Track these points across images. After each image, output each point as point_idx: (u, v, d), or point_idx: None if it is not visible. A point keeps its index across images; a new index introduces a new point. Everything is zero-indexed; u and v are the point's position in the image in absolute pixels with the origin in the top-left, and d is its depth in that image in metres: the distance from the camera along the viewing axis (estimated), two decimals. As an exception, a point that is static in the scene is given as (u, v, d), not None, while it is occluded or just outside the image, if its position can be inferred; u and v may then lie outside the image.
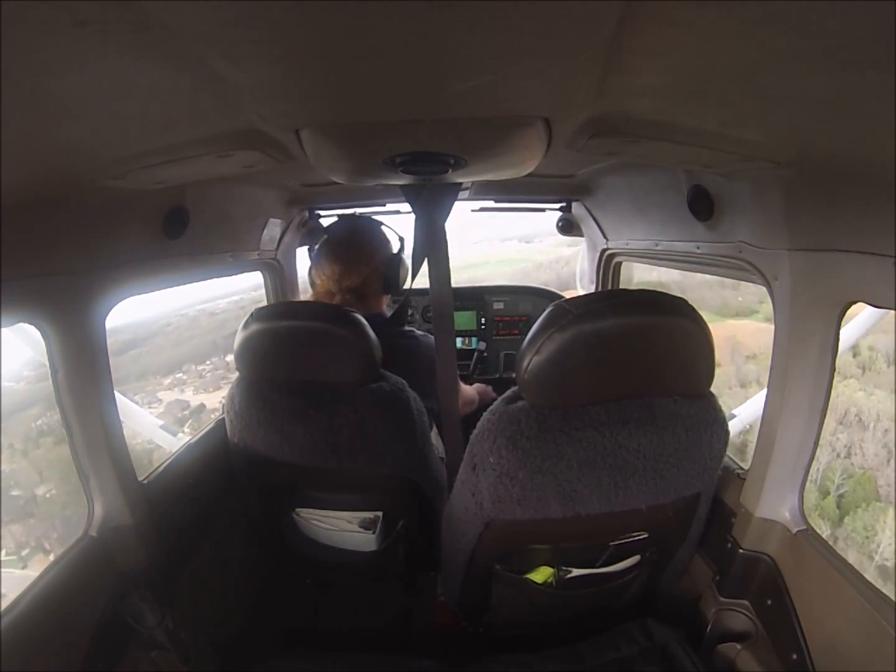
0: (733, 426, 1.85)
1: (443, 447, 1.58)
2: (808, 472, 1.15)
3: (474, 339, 2.65)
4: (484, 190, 2.04)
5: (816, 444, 1.12)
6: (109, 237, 1.15)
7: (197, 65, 0.51)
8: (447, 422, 1.41)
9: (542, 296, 2.64)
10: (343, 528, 1.51)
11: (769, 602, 1.18)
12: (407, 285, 1.58)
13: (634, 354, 1.01)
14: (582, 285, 2.57)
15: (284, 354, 1.32)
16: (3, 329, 0.97)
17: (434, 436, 1.67)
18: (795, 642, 1.08)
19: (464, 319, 2.63)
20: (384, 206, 2.25)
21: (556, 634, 1.42)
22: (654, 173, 1.49)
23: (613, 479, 1.06)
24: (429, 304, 2.37)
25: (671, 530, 1.25)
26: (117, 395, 1.22)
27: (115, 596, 1.17)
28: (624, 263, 2.29)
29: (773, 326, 1.13)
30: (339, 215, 2.24)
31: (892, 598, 0.94)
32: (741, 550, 1.22)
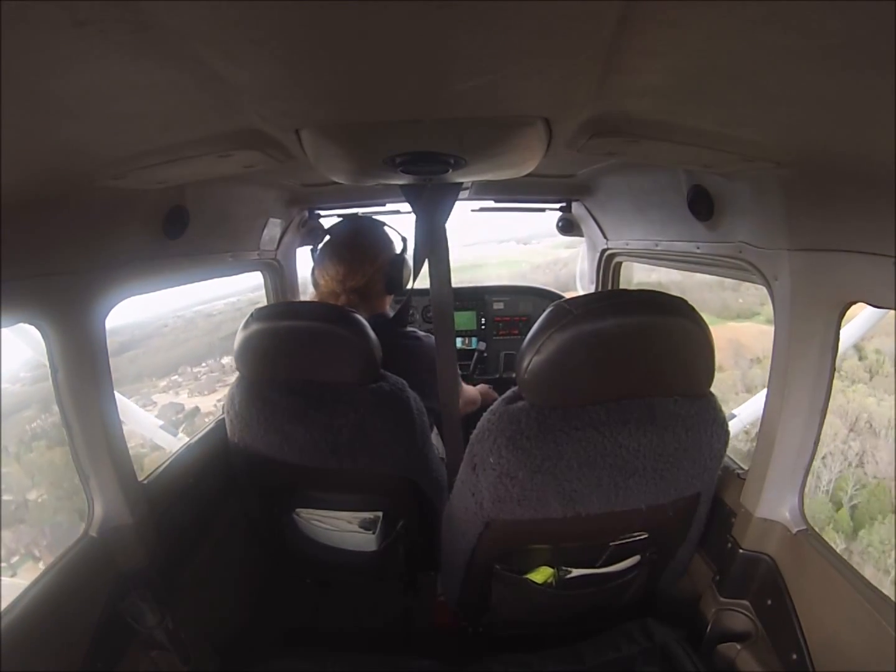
0: (733, 426, 1.85)
1: (443, 447, 1.58)
2: (808, 472, 1.15)
3: (474, 339, 2.65)
4: (484, 190, 2.04)
5: (816, 444, 1.12)
6: (109, 237, 1.15)
7: (197, 65, 0.51)
8: (447, 422, 1.41)
9: (542, 296, 2.64)
10: (343, 528, 1.51)
11: (769, 602, 1.18)
12: (409, 285, 1.58)
13: (634, 354, 1.01)
14: (582, 286, 2.57)
15: (284, 354, 1.32)
16: (3, 329, 0.97)
17: (434, 436, 1.67)
18: (795, 642, 1.08)
19: (464, 319, 2.63)
20: (384, 206, 2.25)
21: (556, 634, 1.42)
22: (654, 173, 1.49)
23: (613, 479, 1.06)
24: (429, 304, 2.37)
25: (671, 530, 1.25)
26: (117, 395, 1.23)
27: (115, 596, 1.17)
28: (623, 265, 2.29)
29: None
30: (340, 215, 2.24)
31: (892, 598, 0.94)
32: (741, 550, 1.22)
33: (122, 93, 0.57)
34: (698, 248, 1.43)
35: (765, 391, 1.19)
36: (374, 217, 1.76)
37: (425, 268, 1.34)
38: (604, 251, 2.25)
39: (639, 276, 2.71)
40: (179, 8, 0.40)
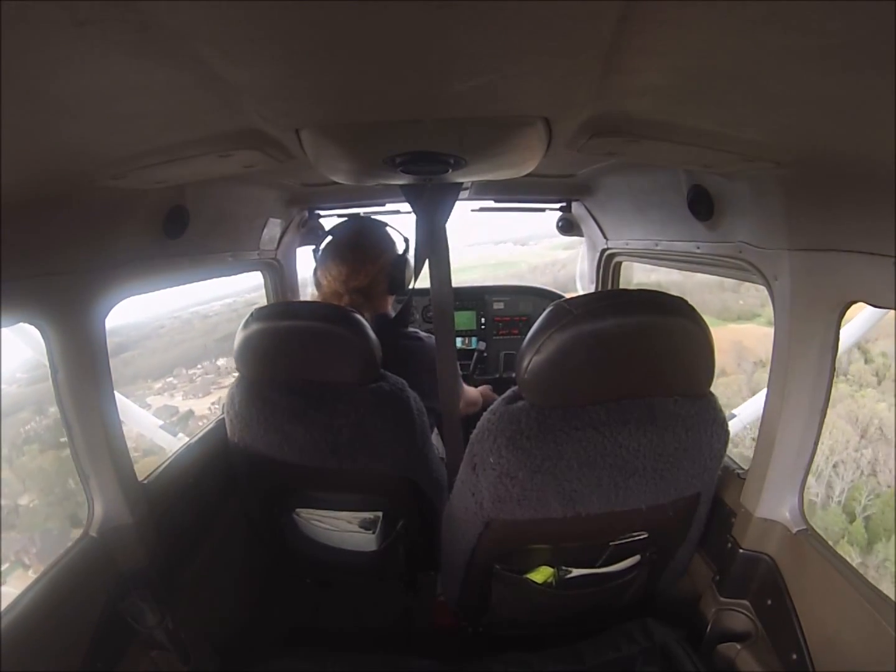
0: (733, 426, 1.85)
1: (443, 447, 1.58)
2: (808, 472, 1.15)
3: (474, 339, 2.65)
4: (484, 190, 2.04)
5: (816, 444, 1.12)
6: (109, 237, 1.15)
7: (197, 65, 0.51)
8: (447, 422, 1.41)
9: (542, 296, 2.64)
10: (343, 528, 1.51)
11: (769, 602, 1.18)
12: (410, 285, 1.58)
13: (634, 354, 1.01)
14: (582, 286, 2.57)
15: (285, 354, 1.32)
16: (3, 329, 0.97)
17: (434, 436, 1.67)
18: (795, 642, 1.08)
19: (464, 319, 2.63)
20: (384, 206, 2.25)
21: (556, 634, 1.42)
22: (654, 173, 1.49)
23: (613, 479, 1.06)
24: (429, 304, 2.37)
25: (671, 530, 1.25)
26: (117, 394, 1.22)
27: (115, 596, 1.17)
28: (623, 265, 2.29)
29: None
30: (341, 215, 2.24)
31: (892, 598, 0.94)
32: (741, 550, 1.22)
33: (122, 93, 0.57)
34: (698, 248, 1.43)
35: (765, 391, 1.19)
36: (375, 217, 1.76)
37: (425, 268, 1.34)
38: (604, 251, 2.25)
39: (638, 276, 2.71)
40: (179, 8, 0.40)
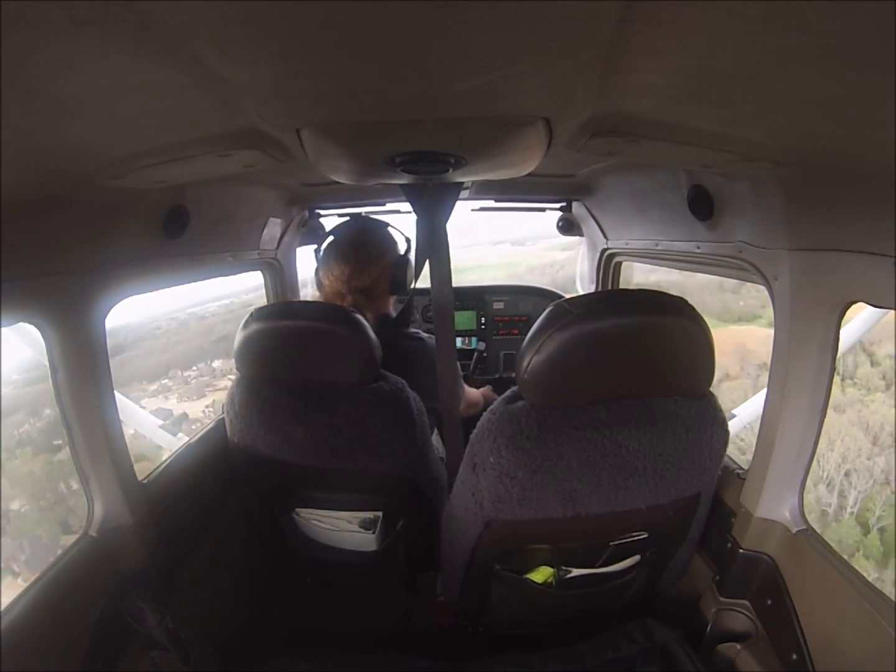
0: (733, 426, 1.85)
1: (443, 447, 1.58)
2: (807, 472, 1.15)
3: (474, 339, 2.65)
4: (484, 190, 2.04)
5: (816, 444, 1.12)
6: (109, 237, 1.15)
7: (197, 65, 0.51)
8: (447, 422, 1.41)
9: (542, 296, 2.64)
10: (343, 528, 1.51)
11: (769, 602, 1.18)
12: (412, 285, 1.58)
13: (634, 354, 1.01)
14: (582, 286, 2.57)
15: (285, 354, 1.32)
16: (3, 329, 0.97)
17: (434, 436, 1.67)
18: (795, 642, 1.08)
19: (464, 319, 2.63)
20: (384, 205, 2.25)
21: (556, 634, 1.42)
22: (654, 173, 1.49)
23: (613, 479, 1.06)
24: (429, 304, 2.37)
25: (671, 530, 1.25)
26: (117, 395, 1.22)
27: (115, 596, 1.17)
28: (623, 266, 2.29)
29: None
30: (341, 215, 2.24)
31: (892, 598, 0.94)
32: (741, 550, 1.22)
33: (122, 93, 0.57)
34: (698, 247, 1.43)
35: (765, 391, 1.19)
36: (375, 217, 1.76)
37: (425, 268, 1.34)
38: (604, 251, 2.25)
39: (638, 277, 2.71)
40: (179, 8, 0.40)
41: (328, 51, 0.50)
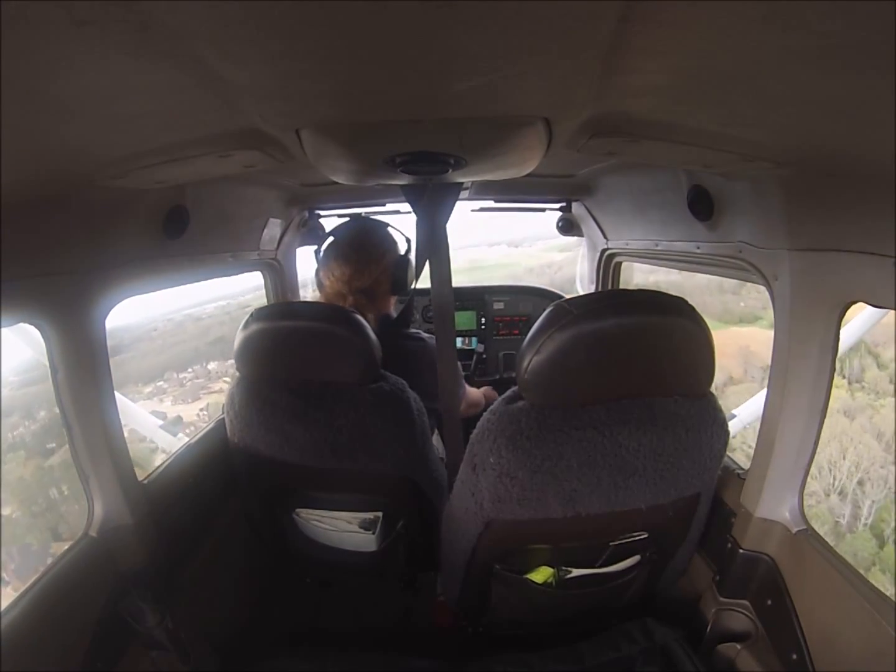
0: (733, 426, 1.85)
1: (443, 447, 1.58)
2: (807, 472, 1.15)
3: (474, 339, 2.65)
4: (484, 190, 2.04)
5: (816, 444, 1.12)
6: (109, 237, 1.15)
7: (197, 65, 0.51)
8: (448, 422, 1.41)
9: (542, 296, 2.64)
10: (343, 528, 1.51)
11: (769, 602, 1.18)
12: (412, 286, 1.58)
13: (634, 354, 1.01)
14: (582, 286, 2.57)
15: (285, 354, 1.32)
16: (3, 329, 0.97)
17: (434, 436, 1.67)
18: (795, 642, 1.08)
19: (464, 319, 2.63)
20: (384, 205, 2.25)
21: (556, 634, 1.42)
22: (654, 173, 1.49)
23: (613, 479, 1.06)
24: (429, 304, 2.37)
25: (671, 530, 1.25)
26: (117, 395, 1.23)
27: (115, 596, 1.17)
28: (623, 266, 2.29)
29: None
30: (341, 215, 2.24)
31: (892, 598, 0.94)
32: (741, 550, 1.22)
33: (122, 93, 0.57)
34: (698, 248, 1.43)
35: (765, 391, 1.19)
36: (377, 217, 1.76)
37: (426, 268, 1.34)
38: (604, 251, 2.25)
39: (638, 277, 2.71)
40: (179, 8, 0.40)
41: (328, 51, 0.50)
